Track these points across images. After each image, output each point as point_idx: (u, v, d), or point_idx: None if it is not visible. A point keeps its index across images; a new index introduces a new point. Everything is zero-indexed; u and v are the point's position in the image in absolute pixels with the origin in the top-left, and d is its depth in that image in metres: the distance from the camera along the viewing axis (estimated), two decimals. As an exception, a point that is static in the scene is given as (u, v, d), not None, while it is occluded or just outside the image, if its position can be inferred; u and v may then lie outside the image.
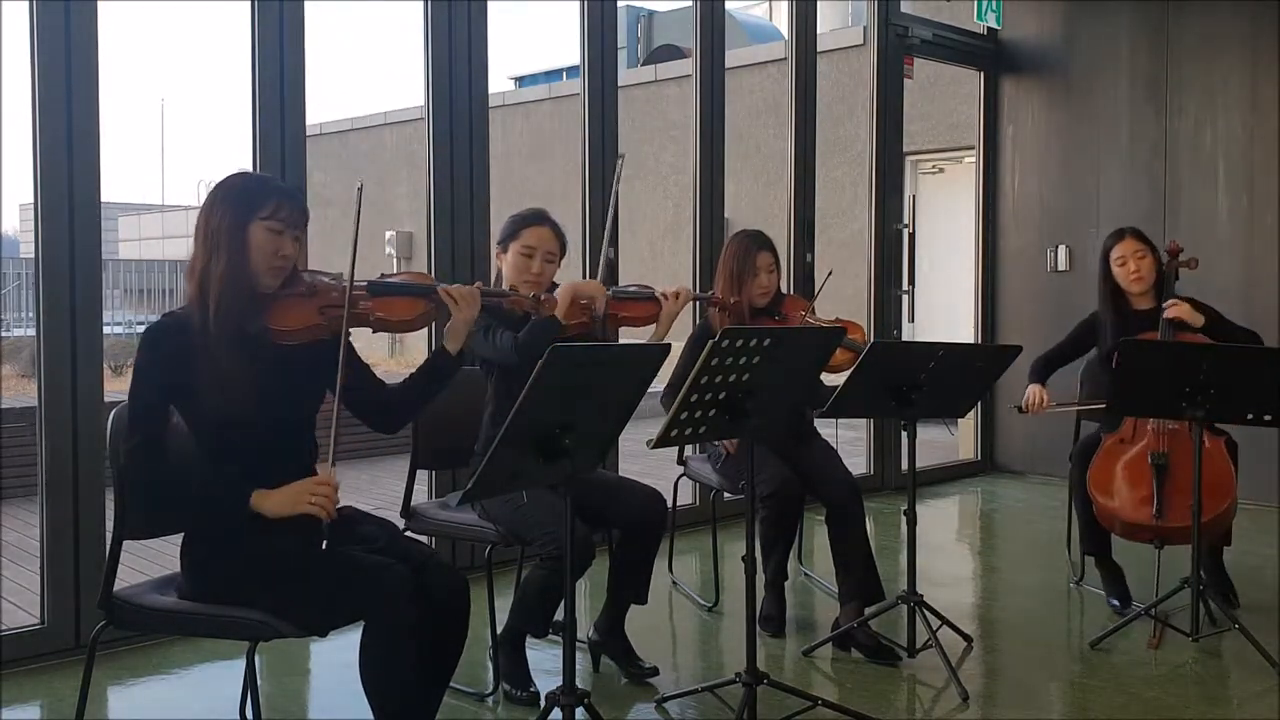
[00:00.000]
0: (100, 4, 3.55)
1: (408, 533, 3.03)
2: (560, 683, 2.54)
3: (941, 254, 9.54)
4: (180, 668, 3.51)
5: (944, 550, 5.27)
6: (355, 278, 2.48)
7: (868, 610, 3.62)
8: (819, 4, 6.08)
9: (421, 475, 3.59)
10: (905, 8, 6.74)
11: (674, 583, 4.37)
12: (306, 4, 3.99)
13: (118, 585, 2.48)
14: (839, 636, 3.58)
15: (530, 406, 2.27)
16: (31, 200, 3.48)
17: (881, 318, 6.34)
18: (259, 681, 2.84)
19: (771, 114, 10.51)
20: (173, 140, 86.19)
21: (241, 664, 2.55)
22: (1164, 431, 3.87)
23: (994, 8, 6.85)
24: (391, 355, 12.94)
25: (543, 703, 2.68)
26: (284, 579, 2.36)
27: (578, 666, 2.77)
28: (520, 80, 18.45)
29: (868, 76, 6.51)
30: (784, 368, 2.82)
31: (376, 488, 6.94)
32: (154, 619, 2.46)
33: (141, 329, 5.50)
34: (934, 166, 10.26)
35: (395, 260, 14.59)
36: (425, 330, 4.12)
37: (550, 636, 3.38)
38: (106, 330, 5.25)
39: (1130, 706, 3.19)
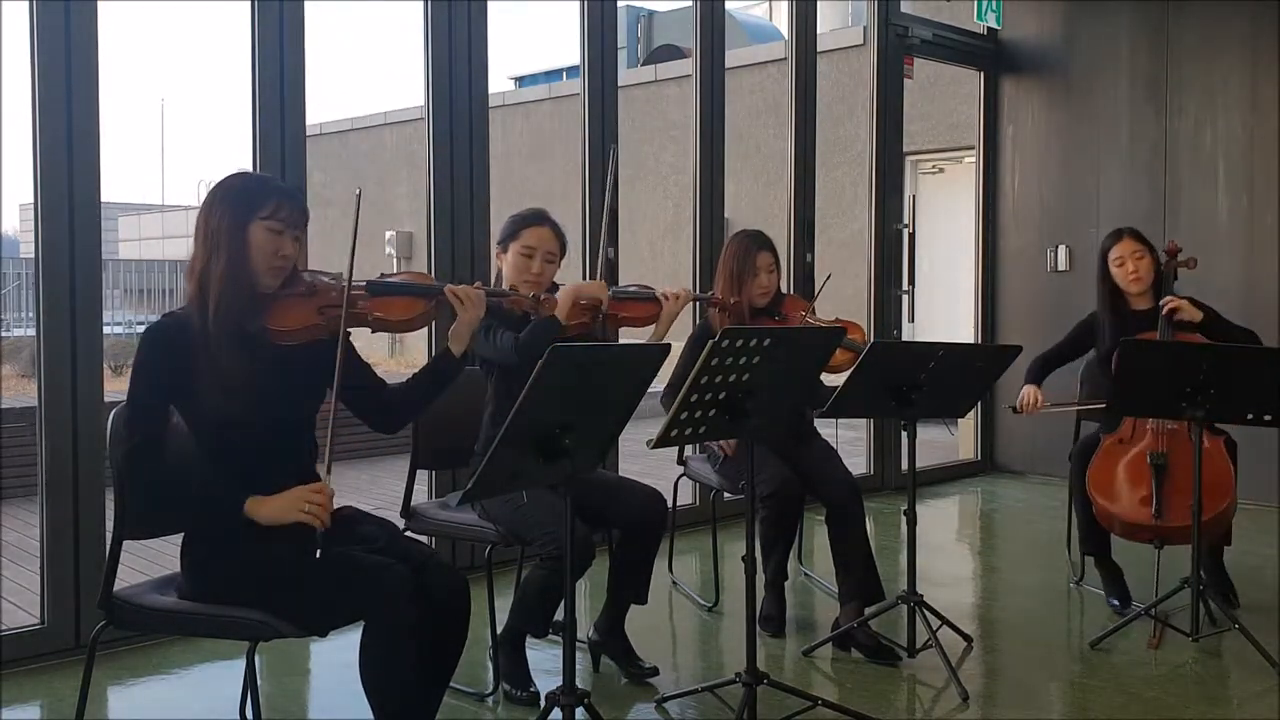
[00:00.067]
0: (100, 4, 3.55)
1: (408, 533, 3.03)
2: (560, 683, 2.55)
3: (941, 254, 9.54)
4: (180, 668, 3.51)
5: (944, 550, 5.27)
6: (355, 277, 2.48)
7: (868, 610, 3.62)
8: (819, 4, 6.08)
9: (421, 475, 3.59)
10: (905, 8, 6.74)
11: (674, 583, 4.37)
12: (306, 4, 4.00)
13: (118, 585, 2.48)
14: (839, 636, 3.58)
15: (530, 406, 2.27)
16: (31, 200, 3.48)
17: (881, 318, 6.34)
18: (259, 681, 2.83)
19: (771, 114, 10.51)
20: (173, 140, 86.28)
21: (241, 664, 2.55)
22: (1163, 431, 3.87)
23: (994, 8, 6.85)
24: (391, 355, 12.95)
25: (543, 703, 2.68)
26: (283, 580, 2.36)
27: (578, 666, 2.78)
28: (520, 80, 18.45)
29: (868, 76, 6.51)
30: (784, 368, 2.82)
31: (376, 488, 6.94)
32: (154, 619, 2.46)
33: (141, 329, 5.50)
34: (934, 166, 10.25)
35: (395, 260, 14.58)
36: (425, 330, 4.12)
37: (550, 636, 3.38)
38: (106, 330, 5.25)
39: (1130, 706, 3.19)
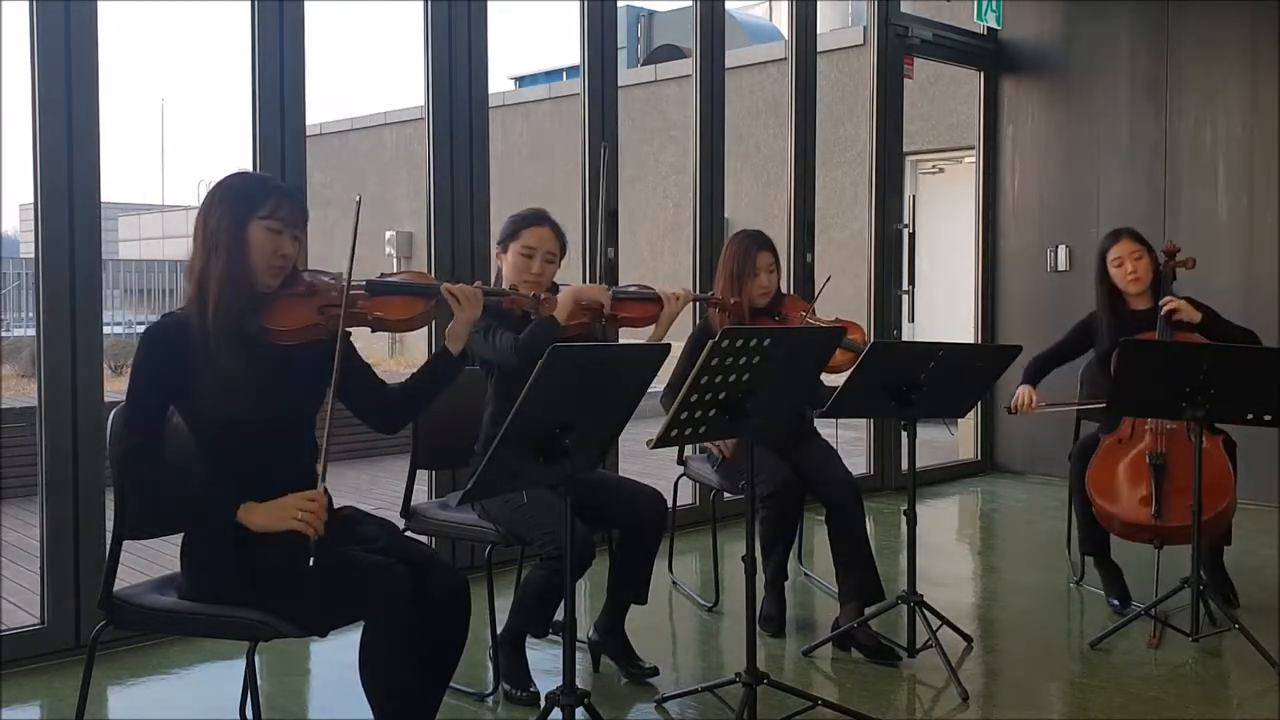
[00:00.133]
0: (100, 4, 3.55)
1: (408, 533, 3.03)
2: (560, 683, 2.55)
3: (941, 254, 9.54)
4: (180, 668, 3.51)
5: (944, 550, 5.27)
6: (354, 277, 2.48)
7: (868, 610, 3.62)
8: (819, 4, 6.08)
9: (421, 475, 3.59)
10: (905, 8, 6.74)
11: (674, 583, 4.37)
12: (306, 4, 4.00)
13: (118, 585, 2.48)
14: (839, 636, 3.58)
15: (530, 406, 2.27)
16: (31, 200, 3.48)
17: (881, 318, 6.34)
18: (259, 681, 2.83)
19: (771, 114, 10.51)
20: (173, 140, 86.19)
21: (241, 664, 2.55)
22: (1162, 432, 3.87)
23: (994, 8, 6.85)
24: (391, 355, 12.94)
25: (543, 703, 2.68)
26: (283, 580, 2.36)
27: (578, 666, 2.78)
28: (520, 80, 18.44)
29: (868, 76, 6.51)
30: (784, 368, 2.82)
31: (376, 488, 6.94)
32: (154, 619, 2.46)
33: (141, 329, 5.50)
34: (934, 166, 10.25)
35: (395, 260, 14.58)
36: (425, 330, 4.12)
37: (550, 636, 3.38)
38: (106, 330, 5.24)
39: (1130, 706, 3.19)
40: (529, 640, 3.27)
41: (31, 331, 9.37)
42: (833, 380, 3.43)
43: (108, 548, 2.52)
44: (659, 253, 12.43)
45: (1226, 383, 3.38)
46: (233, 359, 2.36)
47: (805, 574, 4.55)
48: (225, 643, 3.18)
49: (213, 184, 2.47)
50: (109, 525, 2.57)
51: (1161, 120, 6.27)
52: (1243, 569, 4.31)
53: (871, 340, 3.86)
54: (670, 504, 3.90)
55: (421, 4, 4.40)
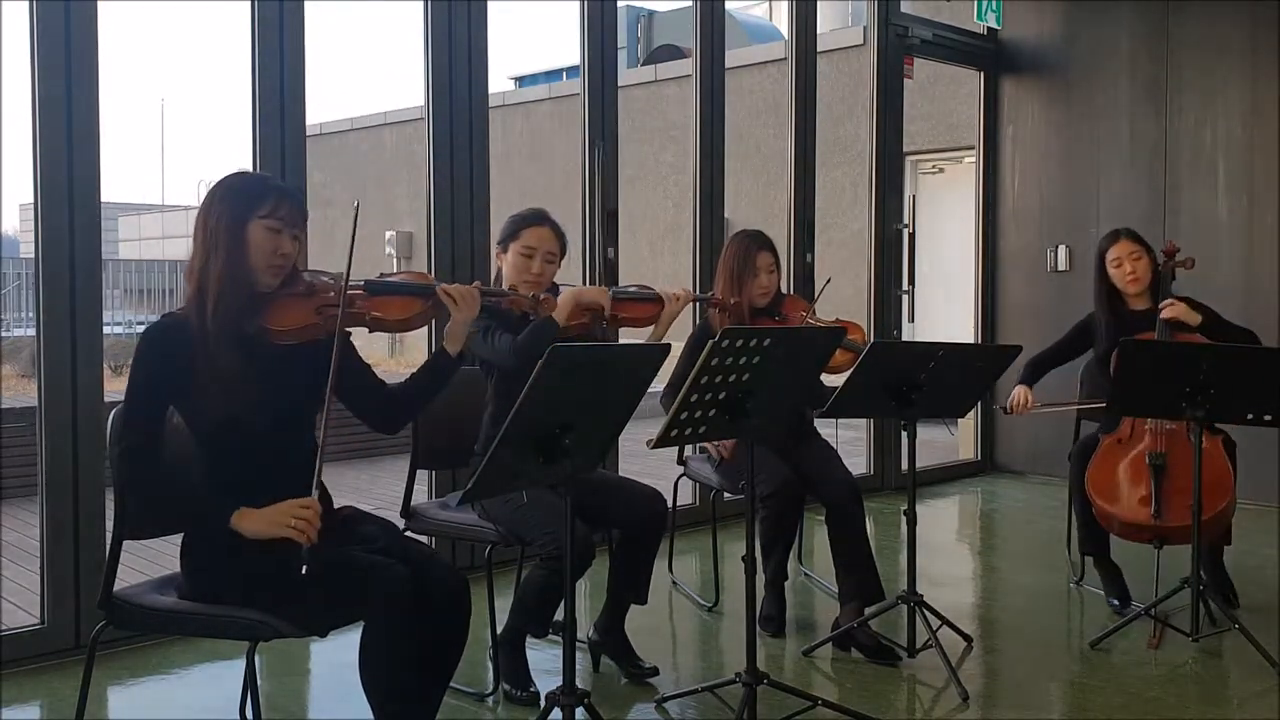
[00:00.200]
0: (100, 4, 3.55)
1: (408, 533, 3.03)
2: (560, 683, 2.55)
3: (941, 254, 9.54)
4: (180, 668, 3.51)
5: (944, 550, 5.27)
6: (353, 277, 2.48)
7: (868, 610, 3.62)
8: (819, 4, 6.08)
9: (421, 475, 3.59)
10: (905, 8, 6.74)
11: (674, 583, 4.37)
12: (306, 4, 4.00)
13: (118, 585, 2.48)
14: (839, 636, 3.58)
15: (530, 406, 2.27)
16: (31, 200, 3.48)
17: (881, 318, 6.34)
18: (259, 681, 2.84)
19: (771, 114, 10.51)
20: (173, 140, 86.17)
21: (241, 664, 2.55)
22: (1162, 432, 3.87)
23: (994, 8, 6.85)
24: (391, 355, 12.94)
25: (543, 703, 2.68)
26: (283, 580, 2.36)
27: (578, 666, 2.78)
28: (520, 80, 18.45)
29: (868, 76, 6.51)
30: (784, 368, 2.82)
31: (376, 488, 6.94)
32: (154, 619, 2.46)
33: (141, 329, 5.50)
34: (934, 166, 10.25)
35: (395, 260, 14.58)
36: (425, 329, 4.12)
37: (550, 636, 3.38)
38: (106, 330, 5.25)
39: (1130, 706, 3.19)
40: (529, 640, 3.27)
41: (31, 331, 9.37)
42: (833, 380, 3.43)
43: (108, 548, 2.52)
44: (659, 253, 12.43)
45: (1226, 383, 3.38)
46: (232, 359, 2.36)
47: (805, 574, 4.55)
48: (225, 643, 3.18)
49: (213, 184, 2.48)
50: (109, 525, 2.57)
51: (1161, 120, 6.27)
52: (1243, 569, 4.31)
53: (871, 340, 3.86)
54: (670, 504, 3.90)
55: (421, 4, 4.40)
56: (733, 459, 3.82)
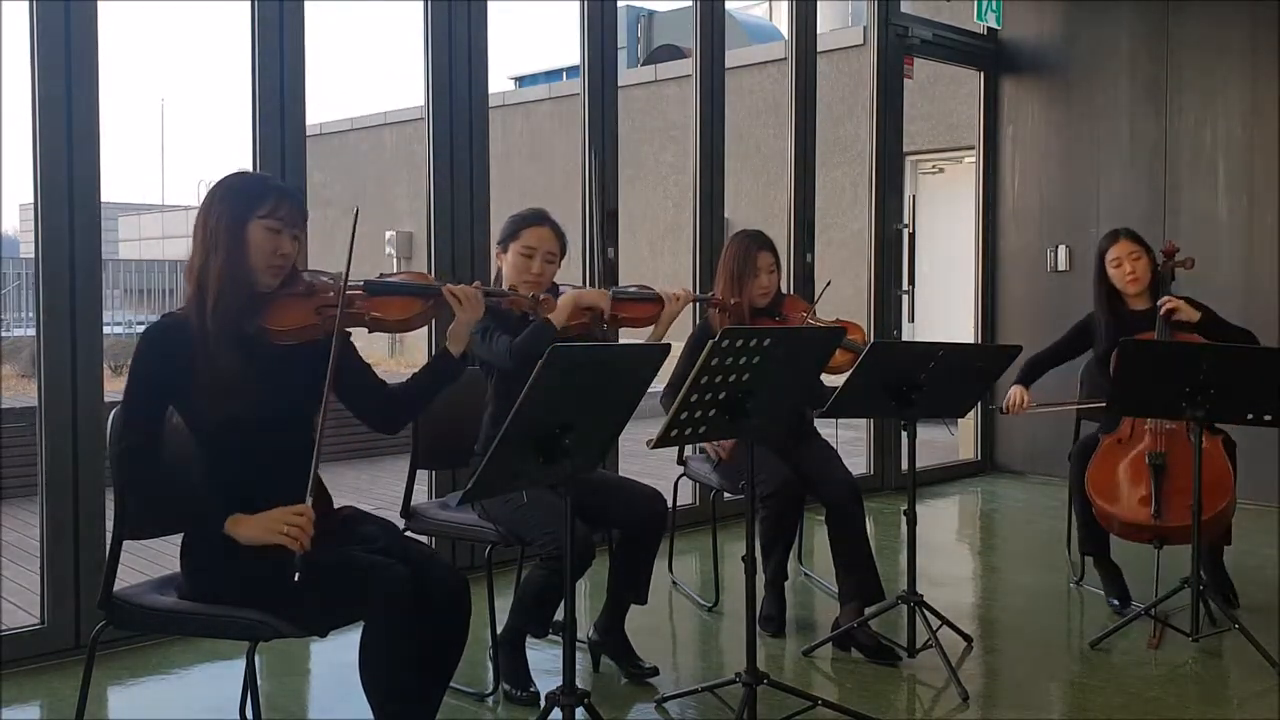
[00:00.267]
0: (100, 4, 3.55)
1: (408, 533, 3.03)
2: (560, 683, 2.55)
3: (941, 254, 9.53)
4: (180, 668, 3.51)
5: (944, 550, 5.27)
6: (352, 277, 2.48)
7: (868, 610, 3.62)
8: (819, 4, 6.08)
9: (421, 475, 3.59)
10: (905, 8, 6.74)
11: (674, 583, 4.37)
12: (306, 4, 4.00)
13: (118, 585, 2.48)
14: (839, 636, 3.58)
15: (530, 406, 2.27)
16: (31, 200, 3.48)
17: (881, 318, 6.34)
18: (259, 681, 2.83)
19: (771, 114, 10.51)
20: (173, 140, 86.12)
21: (241, 664, 2.55)
22: (1161, 432, 3.87)
23: (994, 8, 6.85)
24: (391, 355, 12.94)
25: (543, 703, 2.68)
26: (283, 580, 2.36)
27: (578, 666, 2.78)
28: (520, 80, 18.44)
29: (868, 76, 6.51)
30: (784, 368, 2.82)
31: (376, 488, 6.94)
32: (154, 619, 2.46)
33: (141, 329, 5.51)
34: (934, 166, 10.25)
35: (395, 260, 14.58)
36: (425, 330, 4.12)
37: (550, 636, 3.38)
38: (106, 330, 5.24)
39: (1130, 706, 3.19)
40: (529, 640, 3.27)
41: (31, 331, 9.37)
42: (833, 381, 3.43)
43: (108, 548, 2.52)
44: (659, 253, 12.42)
45: (1226, 383, 3.38)
46: (232, 359, 2.36)
47: (805, 574, 4.55)
48: (225, 643, 3.18)
49: (213, 184, 2.48)
50: (109, 525, 2.57)
51: (1161, 120, 6.27)
52: (1243, 569, 4.31)
53: (871, 340, 3.86)
54: (670, 504, 3.90)
55: (421, 4, 4.40)
56: (731, 460, 3.82)
